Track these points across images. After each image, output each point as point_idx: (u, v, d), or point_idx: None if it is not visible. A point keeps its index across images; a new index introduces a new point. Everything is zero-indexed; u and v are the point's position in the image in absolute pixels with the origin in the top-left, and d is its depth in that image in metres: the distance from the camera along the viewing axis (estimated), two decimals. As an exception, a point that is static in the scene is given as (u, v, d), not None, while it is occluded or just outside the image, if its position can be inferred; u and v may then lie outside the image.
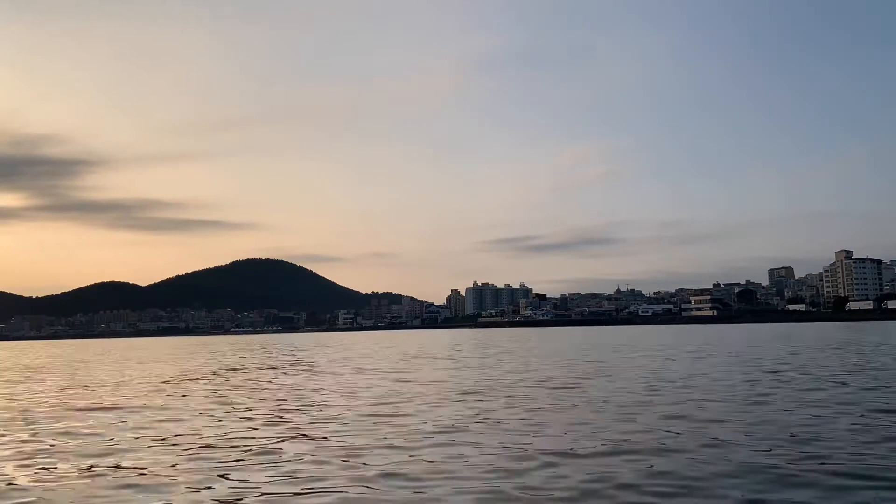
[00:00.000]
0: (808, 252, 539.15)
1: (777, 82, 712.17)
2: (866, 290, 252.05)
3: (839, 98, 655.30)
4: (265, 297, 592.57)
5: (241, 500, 9.17)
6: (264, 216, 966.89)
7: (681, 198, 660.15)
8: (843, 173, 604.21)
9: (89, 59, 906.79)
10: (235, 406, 19.58)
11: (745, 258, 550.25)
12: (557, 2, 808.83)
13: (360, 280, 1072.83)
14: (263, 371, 35.99)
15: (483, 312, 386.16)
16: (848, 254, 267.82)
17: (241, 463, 11.39)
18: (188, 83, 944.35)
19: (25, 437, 14.66)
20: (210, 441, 13.48)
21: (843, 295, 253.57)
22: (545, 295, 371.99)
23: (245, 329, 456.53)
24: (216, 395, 23.19)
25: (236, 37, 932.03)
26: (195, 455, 12.09)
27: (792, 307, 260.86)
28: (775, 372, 26.56)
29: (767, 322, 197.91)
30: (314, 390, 23.68)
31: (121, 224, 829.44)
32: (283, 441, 13.32)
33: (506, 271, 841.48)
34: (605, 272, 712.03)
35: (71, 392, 25.60)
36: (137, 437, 14.14)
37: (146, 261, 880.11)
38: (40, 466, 11.42)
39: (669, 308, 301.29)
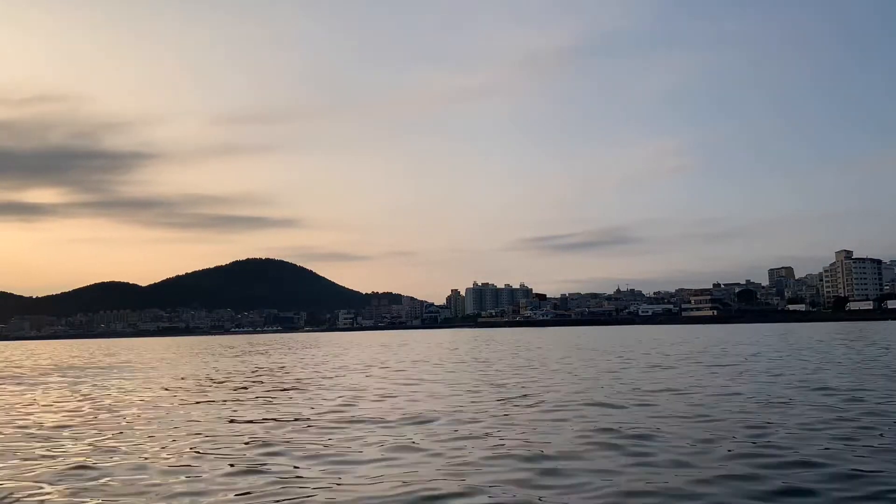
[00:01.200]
0: (808, 252, 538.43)
1: (781, 83, 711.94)
2: (866, 290, 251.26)
3: (843, 99, 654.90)
4: (265, 297, 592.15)
5: None
6: (306, 212, 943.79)
7: (692, 198, 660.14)
8: (844, 173, 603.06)
9: (160, 48, 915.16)
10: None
11: (745, 258, 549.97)
12: (582, 3, 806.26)
13: (377, 280, 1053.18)
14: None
15: (483, 312, 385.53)
16: (848, 254, 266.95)
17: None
18: (249, 74, 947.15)
19: None
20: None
21: (843, 295, 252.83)
22: (545, 295, 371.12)
23: (245, 329, 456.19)
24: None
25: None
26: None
27: (792, 307, 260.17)
28: None
29: (767, 322, 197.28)
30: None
31: (158, 221, 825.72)
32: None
33: (521, 271, 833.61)
34: (616, 272, 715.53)
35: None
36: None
37: (146, 261, 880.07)
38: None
39: (669, 308, 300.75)
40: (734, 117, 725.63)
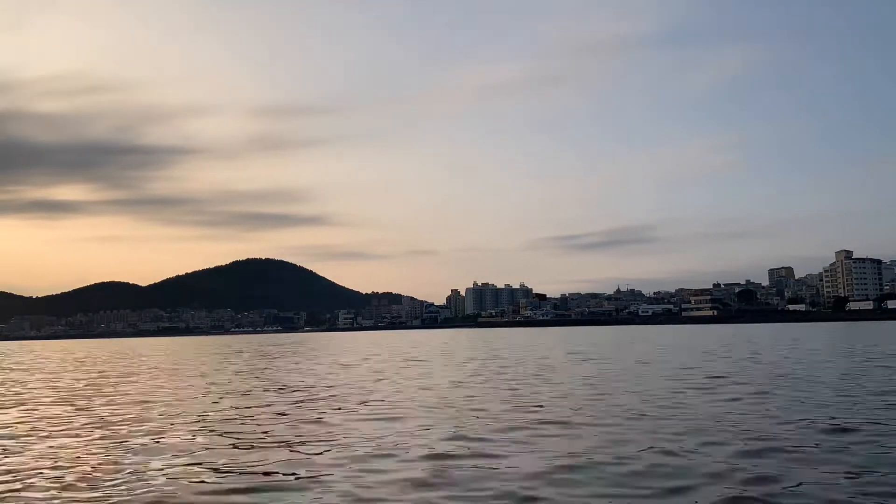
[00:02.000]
0: (808, 252, 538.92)
1: (787, 85, 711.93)
2: (866, 290, 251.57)
3: (844, 100, 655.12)
4: (265, 297, 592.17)
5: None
6: (333, 209, 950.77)
7: (697, 199, 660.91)
8: (844, 174, 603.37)
9: (206, 38, 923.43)
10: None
11: (745, 258, 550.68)
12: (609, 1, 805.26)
13: (377, 280, 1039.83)
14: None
15: (483, 312, 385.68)
16: (848, 254, 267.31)
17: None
18: (288, 68, 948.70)
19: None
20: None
21: (843, 295, 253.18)
22: (545, 295, 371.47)
23: (245, 329, 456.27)
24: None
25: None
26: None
27: (792, 307, 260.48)
28: None
29: (767, 322, 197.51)
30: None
31: (181, 220, 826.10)
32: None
33: (532, 271, 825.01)
34: (622, 273, 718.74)
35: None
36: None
37: (146, 261, 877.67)
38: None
39: (669, 308, 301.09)
40: (739, 120, 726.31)
